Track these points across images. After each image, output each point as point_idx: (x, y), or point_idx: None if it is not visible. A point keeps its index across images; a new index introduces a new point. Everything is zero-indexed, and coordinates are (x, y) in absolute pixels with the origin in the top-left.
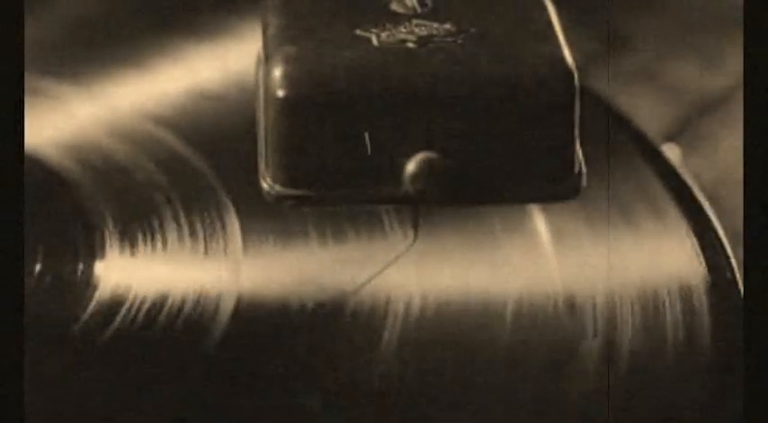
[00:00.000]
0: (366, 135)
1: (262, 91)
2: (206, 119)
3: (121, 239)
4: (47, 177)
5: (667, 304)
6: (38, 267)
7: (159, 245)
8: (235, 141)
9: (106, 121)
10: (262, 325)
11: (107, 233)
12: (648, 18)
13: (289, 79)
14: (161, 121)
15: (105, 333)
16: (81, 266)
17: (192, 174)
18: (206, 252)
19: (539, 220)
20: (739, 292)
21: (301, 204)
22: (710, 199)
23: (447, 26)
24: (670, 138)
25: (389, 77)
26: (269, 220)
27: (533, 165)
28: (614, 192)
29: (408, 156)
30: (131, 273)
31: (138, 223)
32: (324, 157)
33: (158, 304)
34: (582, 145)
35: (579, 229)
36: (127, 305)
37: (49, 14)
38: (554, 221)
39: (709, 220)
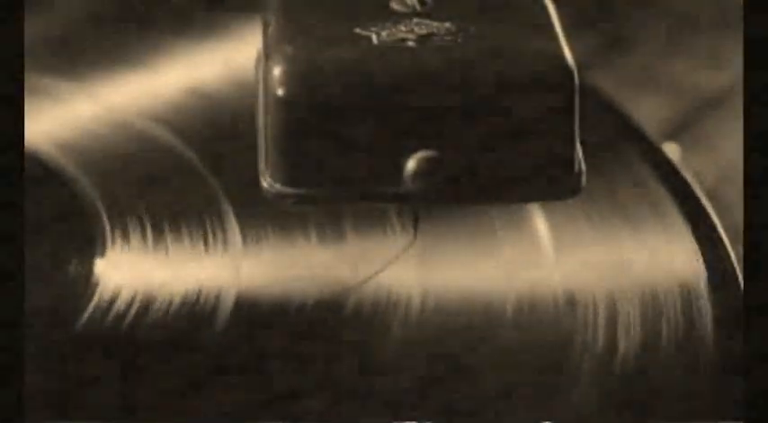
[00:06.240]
0: None
1: (262, 90)
2: (205, 118)
3: (122, 237)
4: (47, 176)
5: (667, 304)
6: (38, 266)
7: (160, 242)
8: (234, 140)
9: (106, 120)
10: (262, 323)
11: (107, 231)
12: (648, 18)
13: (289, 78)
14: (160, 119)
15: (106, 331)
16: (81, 265)
17: (191, 172)
18: (206, 250)
19: (539, 220)
20: (740, 291)
21: (301, 203)
22: (711, 198)
23: (447, 25)
24: (670, 137)
25: (389, 76)
26: (268, 218)
27: (533, 164)
28: (614, 191)
29: (408, 154)
30: (132, 271)
31: (139, 221)
32: (324, 155)
33: (158, 302)
34: (582, 145)
35: (580, 229)
36: (127, 303)
37: (49, 14)
38: (554, 221)
39: (709, 219)
